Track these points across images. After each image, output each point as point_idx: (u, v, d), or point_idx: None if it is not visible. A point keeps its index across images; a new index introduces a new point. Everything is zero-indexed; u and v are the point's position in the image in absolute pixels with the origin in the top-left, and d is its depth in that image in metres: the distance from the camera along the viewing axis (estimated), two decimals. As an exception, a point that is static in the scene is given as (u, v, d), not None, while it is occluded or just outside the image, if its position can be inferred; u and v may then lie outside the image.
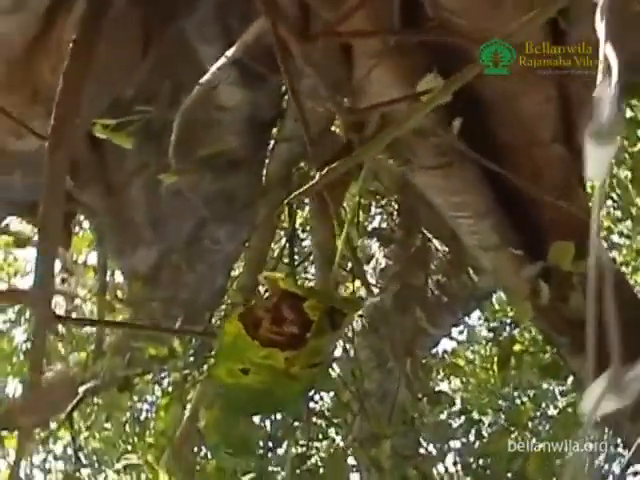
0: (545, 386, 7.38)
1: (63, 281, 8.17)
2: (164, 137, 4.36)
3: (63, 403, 5.34)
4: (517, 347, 5.63)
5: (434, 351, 7.64)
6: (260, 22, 3.53)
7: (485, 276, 5.04)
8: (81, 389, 5.17)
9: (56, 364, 5.93)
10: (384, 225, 6.19)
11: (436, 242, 5.48)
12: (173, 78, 4.48)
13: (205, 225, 5.21)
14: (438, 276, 5.66)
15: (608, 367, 0.99)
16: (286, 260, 5.97)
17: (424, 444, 6.44)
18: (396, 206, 5.70)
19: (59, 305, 8.83)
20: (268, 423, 6.18)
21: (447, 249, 5.39)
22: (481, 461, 6.68)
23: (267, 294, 1.74)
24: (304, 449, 5.51)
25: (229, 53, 3.84)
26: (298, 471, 5.04)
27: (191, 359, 5.21)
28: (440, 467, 6.76)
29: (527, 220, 4.08)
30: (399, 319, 5.46)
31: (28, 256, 8.30)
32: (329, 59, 3.63)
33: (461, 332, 8.34)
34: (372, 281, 5.94)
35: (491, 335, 7.79)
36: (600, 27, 1.29)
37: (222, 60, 3.88)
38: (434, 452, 6.49)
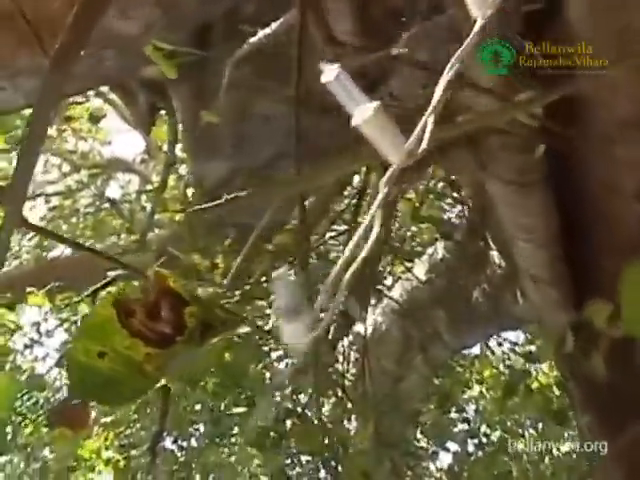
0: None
1: (142, 161, 8.29)
2: (272, 61, 4.34)
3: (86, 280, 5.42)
4: (530, 382, 5.59)
5: (466, 353, 7.60)
6: None
7: (524, 304, 4.97)
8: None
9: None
10: (453, 218, 6.14)
11: (495, 253, 5.40)
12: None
13: (282, 158, 5.20)
14: (485, 285, 5.60)
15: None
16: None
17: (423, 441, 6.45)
18: (470, 204, 5.63)
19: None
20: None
21: (504, 263, 5.32)
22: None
23: (151, 288, 1.73)
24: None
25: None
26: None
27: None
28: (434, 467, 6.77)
29: (584, 268, 4.02)
30: (431, 313, 5.43)
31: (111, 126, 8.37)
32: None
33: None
34: (422, 268, 5.91)
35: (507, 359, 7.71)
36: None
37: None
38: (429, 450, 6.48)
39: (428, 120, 1.25)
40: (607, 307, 3.56)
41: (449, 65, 1.31)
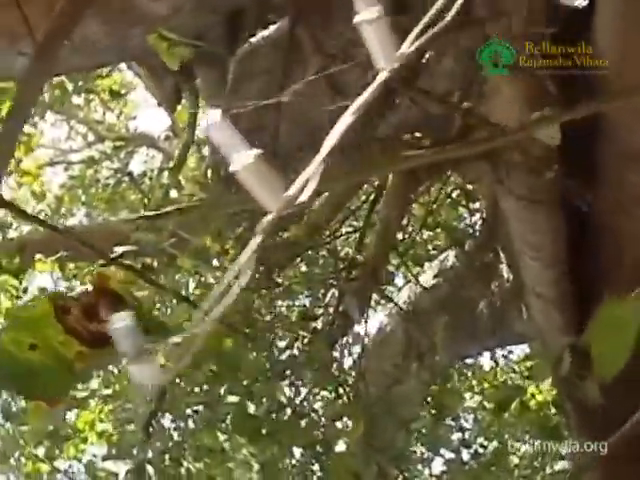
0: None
1: (166, 138, 8.30)
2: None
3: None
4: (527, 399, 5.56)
5: (471, 362, 7.57)
6: None
7: (526, 321, 4.95)
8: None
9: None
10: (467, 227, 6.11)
11: (505, 266, 5.38)
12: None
13: (301, 150, 5.19)
14: (492, 298, 5.58)
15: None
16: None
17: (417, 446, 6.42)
18: (484, 214, 5.61)
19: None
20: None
21: (512, 278, 5.29)
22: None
23: (91, 287, 1.73)
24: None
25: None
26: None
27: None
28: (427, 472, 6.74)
29: (590, 287, 4.00)
30: (434, 319, 5.41)
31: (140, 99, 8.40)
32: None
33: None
34: (430, 273, 5.89)
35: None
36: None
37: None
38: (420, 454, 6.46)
39: (316, 171, 1.24)
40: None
41: (350, 110, 1.31)
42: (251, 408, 5.20)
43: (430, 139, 4.50)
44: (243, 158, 1.22)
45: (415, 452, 6.35)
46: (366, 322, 5.69)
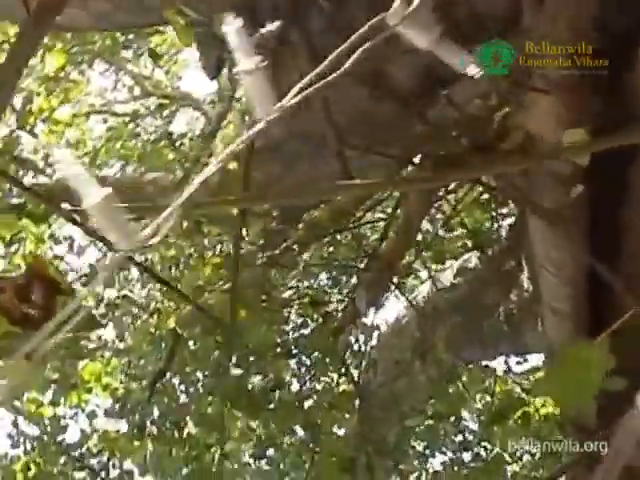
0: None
1: (211, 102, 8.28)
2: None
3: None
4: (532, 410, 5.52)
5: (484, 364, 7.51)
6: None
7: (538, 334, 4.90)
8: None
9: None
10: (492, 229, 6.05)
11: (526, 276, 5.33)
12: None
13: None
14: (509, 305, 5.53)
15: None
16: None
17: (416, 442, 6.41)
18: (511, 220, 5.57)
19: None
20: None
21: (532, 288, 5.24)
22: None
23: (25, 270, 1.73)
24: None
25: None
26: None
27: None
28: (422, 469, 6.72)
29: (609, 306, 3.96)
30: (449, 318, 5.39)
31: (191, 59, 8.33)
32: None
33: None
34: (449, 275, 5.86)
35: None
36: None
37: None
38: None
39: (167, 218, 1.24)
40: (612, 359, 3.49)
41: (217, 160, 1.31)
42: (255, 379, 5.24)
43: (466, 139, 4.45)
44: (93, 197, 1.23)
45: (414, 447, 6.34)
46: (376, 312, 5.68)
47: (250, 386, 5.15)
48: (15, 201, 5.02)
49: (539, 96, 3.44)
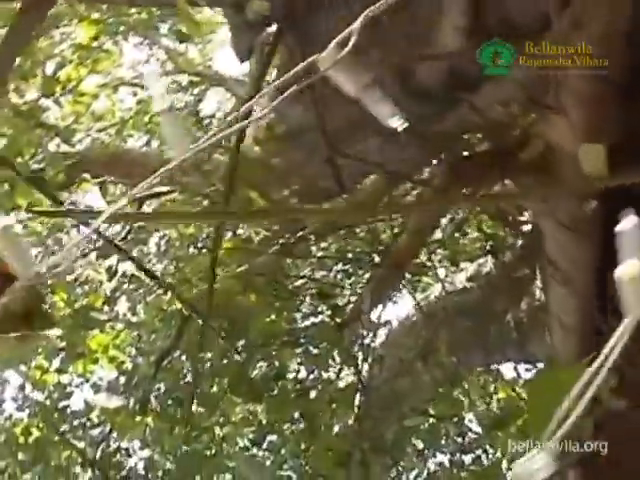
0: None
1: (242, 85, 8.26)
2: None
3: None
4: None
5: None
6: None
7: (543, 343, 4.89)
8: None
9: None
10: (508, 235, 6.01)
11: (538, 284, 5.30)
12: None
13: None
14: (519, 312, 5.51)
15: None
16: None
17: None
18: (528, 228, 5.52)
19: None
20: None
21: (543, 297, 5.21)
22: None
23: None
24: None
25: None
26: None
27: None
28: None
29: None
30: (458, 321, 5.37)
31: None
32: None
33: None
34: (462, 277, 5.84)
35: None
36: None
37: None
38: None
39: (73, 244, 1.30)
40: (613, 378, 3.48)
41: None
42: (258, 366, 5.24)
43: (488, 142, 4.44)
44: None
45: (414, 446, 6.31)
46: (383, 309, 5.67)
47: (253, 373, 5.16)
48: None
49: (564, 106, 3.42)
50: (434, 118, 4.47)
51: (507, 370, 7.71)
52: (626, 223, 1.28)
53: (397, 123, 1.51)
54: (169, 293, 5.74)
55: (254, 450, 5.95)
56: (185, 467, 5.46)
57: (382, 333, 6.32)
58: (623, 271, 1.26)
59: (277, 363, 5.33)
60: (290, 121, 5.25)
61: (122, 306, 6.45)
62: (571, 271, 3.86)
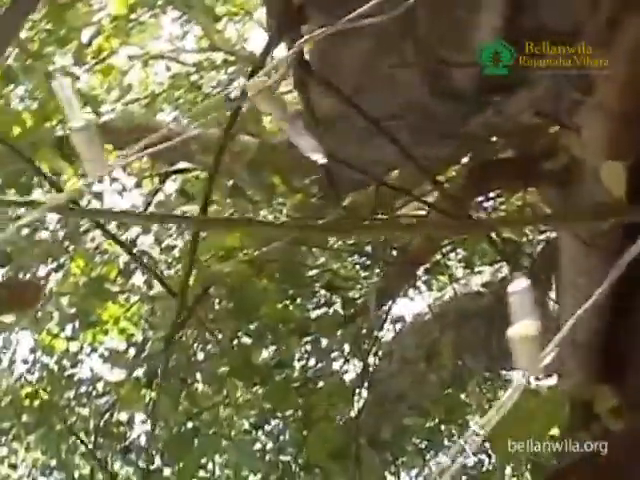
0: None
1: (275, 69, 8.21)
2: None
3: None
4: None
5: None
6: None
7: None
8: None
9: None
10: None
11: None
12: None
13: (394, 119, 5.10)
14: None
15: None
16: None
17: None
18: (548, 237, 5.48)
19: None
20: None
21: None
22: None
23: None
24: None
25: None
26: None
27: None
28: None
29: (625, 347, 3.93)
30: (470, 324, 5.35)
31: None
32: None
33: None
34: (479, 280, 5.81)
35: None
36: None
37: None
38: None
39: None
40: (614, 399, 3.48)
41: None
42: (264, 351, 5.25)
43: (514, 148, 4.41)
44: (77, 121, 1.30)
45: (415, 445, 6.30)
46: (392, 305, 5.65)
47: (259, 358, 5.16)
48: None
49: (591, 120, 3.39)
50: (462, 119, 4.44)
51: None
52: (516, 285, 1.38)
53: (318, 157, 1.57)
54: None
55: (255, 434, 5.96)
56: (180, 444, 5.48)
57: (394, 328, 6.34)
58: (516, 331, 1.34)
59: (282, 350, 5.33)
60: (320, 110, 5.23)
61: (137, 279, 6.45)
62: (585, 286, 3.82)
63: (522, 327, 1.34)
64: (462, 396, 5.95)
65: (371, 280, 5.84)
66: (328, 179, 4.40)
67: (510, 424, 2.33)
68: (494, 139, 4.58)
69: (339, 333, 5.49)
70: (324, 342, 5.67)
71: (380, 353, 6.46)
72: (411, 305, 6.74)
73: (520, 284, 1.38)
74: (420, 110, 4.77)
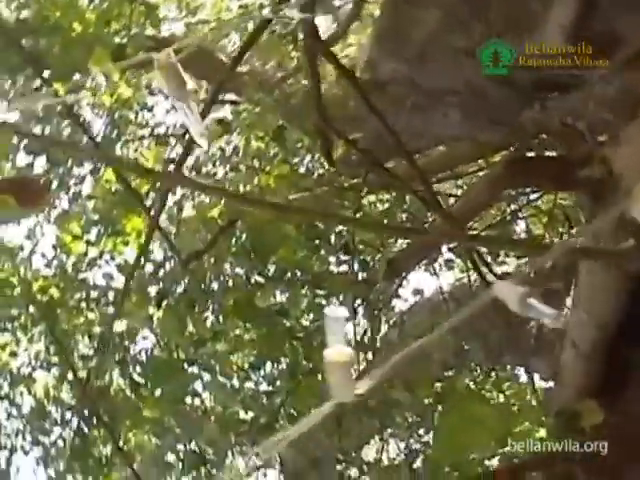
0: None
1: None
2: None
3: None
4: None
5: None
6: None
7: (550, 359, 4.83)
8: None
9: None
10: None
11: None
12: None
13: (451, 95, 5.05)
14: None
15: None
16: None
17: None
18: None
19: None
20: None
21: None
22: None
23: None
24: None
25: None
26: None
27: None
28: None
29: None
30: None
31: None
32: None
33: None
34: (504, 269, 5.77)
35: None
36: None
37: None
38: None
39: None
40: (599, 415, 3.49)
41: None
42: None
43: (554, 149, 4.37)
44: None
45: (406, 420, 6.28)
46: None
47: (265, 301, 5.16)
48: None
49: (635, 138, 3.34)
50: (514, 110, 4.40)
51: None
52: (333, 311, 1.42)
53: (203, 144, 1.57)
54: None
55: (248, 375, 5.97)
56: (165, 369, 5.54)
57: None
58: (331, 354, 1.39)
59: (290, 298, 5.35)
60: (381, 72, 5.20)
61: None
62: (597, 300, 3.81)
63: (336, 353, 1.38)
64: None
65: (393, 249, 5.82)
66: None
67: (457, 430, 2.34)
68: (542, 136, 4.53)
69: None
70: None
71: (391, 322, 6.48)
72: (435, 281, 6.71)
73: (336, 311, 1.41)
74: (476, 91, 4.72)
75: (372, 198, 6.24)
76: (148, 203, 5.68)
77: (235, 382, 5.81)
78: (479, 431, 2.25)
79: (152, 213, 5.23)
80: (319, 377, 5.08)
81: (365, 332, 5.88)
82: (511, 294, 1.44)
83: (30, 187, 2.50)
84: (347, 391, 1.38)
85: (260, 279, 5.32)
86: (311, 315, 5.55)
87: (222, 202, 5.73)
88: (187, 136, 4.95)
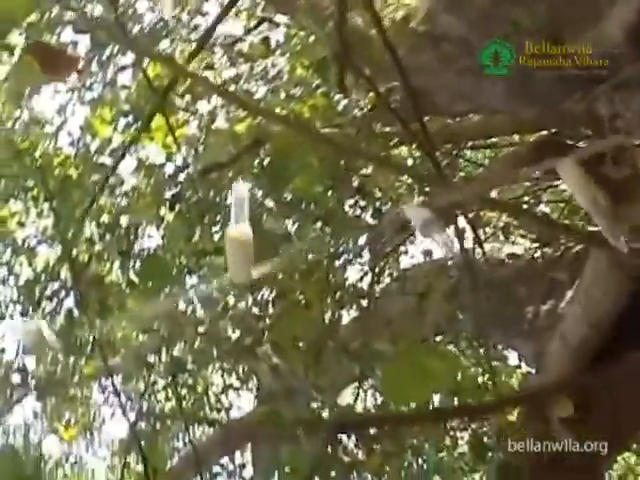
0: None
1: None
2: None
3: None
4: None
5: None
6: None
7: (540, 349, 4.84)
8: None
9: None
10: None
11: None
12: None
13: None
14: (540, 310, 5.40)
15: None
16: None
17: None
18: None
19: None
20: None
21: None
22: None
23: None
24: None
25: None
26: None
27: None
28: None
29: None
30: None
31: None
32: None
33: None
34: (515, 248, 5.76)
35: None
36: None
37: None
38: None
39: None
40: (570, 408, 3.51)
41: None
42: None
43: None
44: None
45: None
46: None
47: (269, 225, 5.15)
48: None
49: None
50: (560, 93, 4.33)
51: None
52: (238, 189, 1.47)
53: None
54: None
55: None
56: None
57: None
58: (233, 232, 1.44)
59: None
60: (438, 26, 5.12)
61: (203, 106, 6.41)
62: (595, 300, 3.80)
63: (238, 232, 1.41)
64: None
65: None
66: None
67: (405, 377, 2.34)
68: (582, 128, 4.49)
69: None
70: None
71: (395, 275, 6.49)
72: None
73: (241, 190, 1.47)
74: (525, 70, 4.66)
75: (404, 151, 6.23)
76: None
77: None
78: (423, 381, 2.26)
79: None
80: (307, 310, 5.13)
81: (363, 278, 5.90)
82: (418, 217, 1.49)
83: (60, 58, 2.48)
84: (244, 272, 1.40)
85: (272, 205, 5.31)
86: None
87: (253, 120, 5.70)
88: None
